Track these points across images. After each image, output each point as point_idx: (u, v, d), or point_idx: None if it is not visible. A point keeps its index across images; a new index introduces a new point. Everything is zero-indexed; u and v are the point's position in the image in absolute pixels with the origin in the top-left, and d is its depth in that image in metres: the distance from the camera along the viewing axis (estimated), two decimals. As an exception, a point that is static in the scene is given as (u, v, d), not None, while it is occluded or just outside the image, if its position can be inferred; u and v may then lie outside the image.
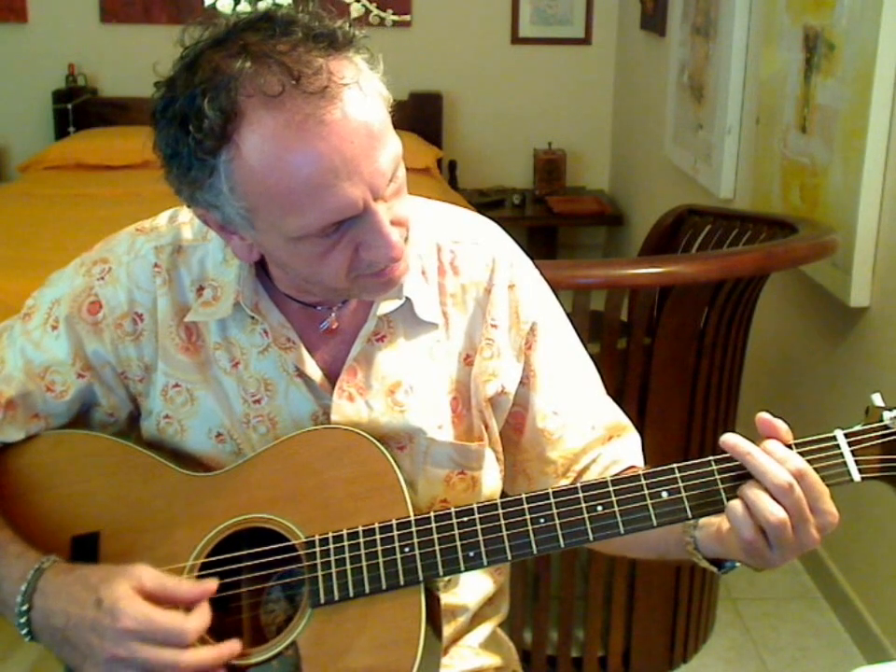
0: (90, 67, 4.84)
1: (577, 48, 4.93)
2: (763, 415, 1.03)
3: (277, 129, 0.92)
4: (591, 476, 1.21)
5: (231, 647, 1.02)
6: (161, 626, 0.99)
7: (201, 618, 1.01)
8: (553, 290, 1.25)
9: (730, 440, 1.01)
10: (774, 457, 0.99)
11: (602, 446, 1.23)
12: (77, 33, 4.80)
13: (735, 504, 0.99)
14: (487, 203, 4.72)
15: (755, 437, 1.03)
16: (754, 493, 0.98)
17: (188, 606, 1.02)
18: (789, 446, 1.01)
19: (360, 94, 0.95)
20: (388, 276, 1.04)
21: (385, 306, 1.12)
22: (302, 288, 1.10)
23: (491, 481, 1.21)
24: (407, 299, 1.12)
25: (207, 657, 1.01)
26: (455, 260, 1.17)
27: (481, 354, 1.17)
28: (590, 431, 1.22)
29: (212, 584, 1.04)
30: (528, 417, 1.21)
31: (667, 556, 1.14)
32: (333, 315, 1.14)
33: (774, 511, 0.97)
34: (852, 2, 2.37)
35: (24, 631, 1.03)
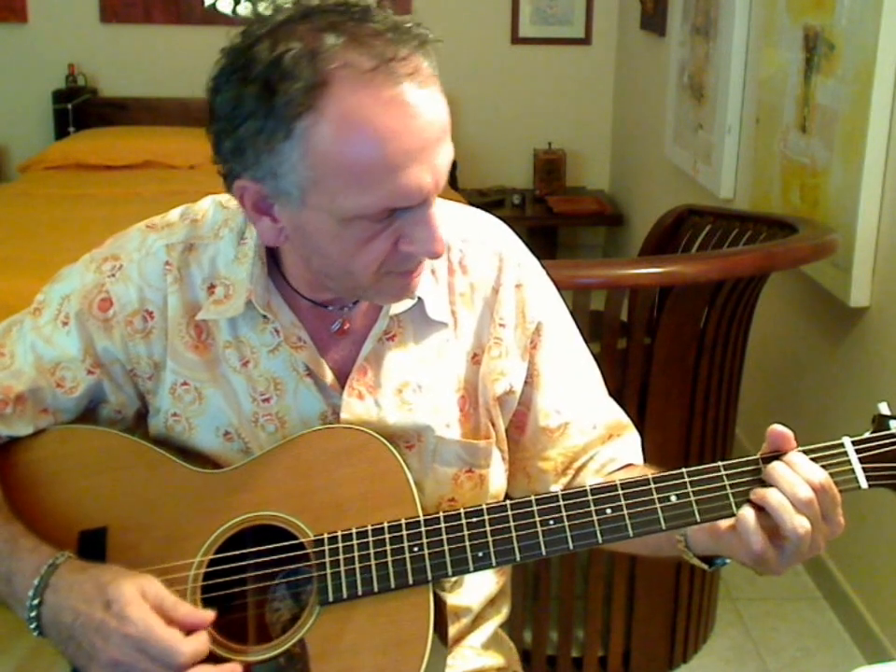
0: (90, 67, 4.84)
1: (577, 48, 4.93)
2: (777, 428, 1.03)
3: (364, 102, 0.93)
4: (587, 474, 1.22)
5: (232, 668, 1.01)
6: (157, 640, 0.97)
7: (198, 644, 0.99)
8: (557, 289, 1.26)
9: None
10: (797, 471, 0.99)
11: (602, 445, 1.23)
12: (77, 33, 4.80)
13: (747, 514, 0.99)
14: (487, 204, 4.71)
15: (756, 438, 1.03)
16: (779, 499, 0.98)
17: (187, 629, 1.00)
18: None
19: (438, 90, 0.98)
20: (412, 279, 1.05)
21: (398, 306, 1.12)
22: (319, 283, 1.10)
23: (498, 479, 1.21)
24: (419, 299, 1.13)
25: None
26: (464, 260, 1.17)
27: (489, 353, 1.17)
28: (591, 430, 1.22)
29: (210, 614, 1.02)
30: (530, 416, 1.21)
31: (660, 553, 1.15)
32: (345, 315, 1.14)
33: (800, 522, 0.97)
34: (852, 2, 2.37)
35: (33, 626, 1.02)
